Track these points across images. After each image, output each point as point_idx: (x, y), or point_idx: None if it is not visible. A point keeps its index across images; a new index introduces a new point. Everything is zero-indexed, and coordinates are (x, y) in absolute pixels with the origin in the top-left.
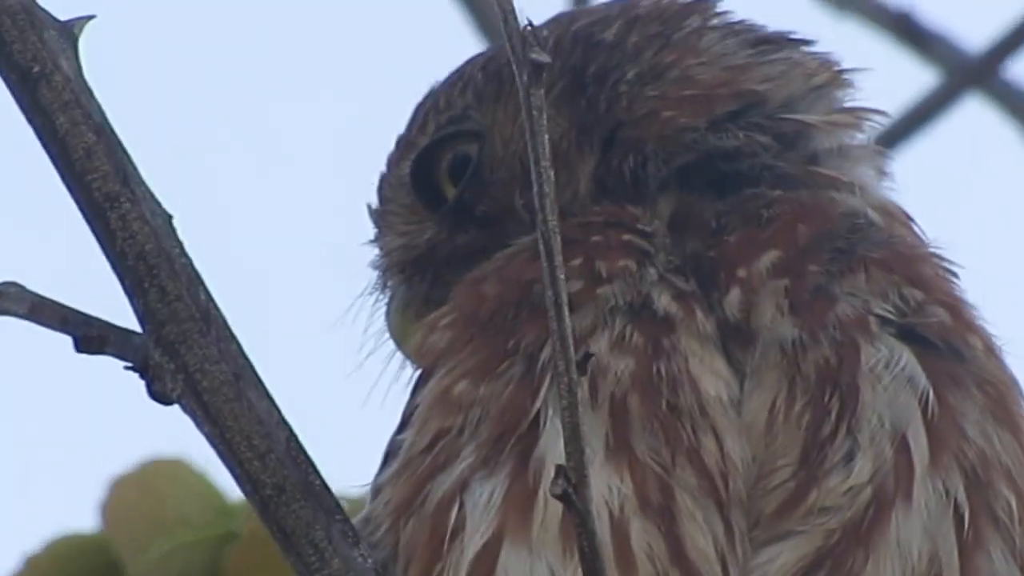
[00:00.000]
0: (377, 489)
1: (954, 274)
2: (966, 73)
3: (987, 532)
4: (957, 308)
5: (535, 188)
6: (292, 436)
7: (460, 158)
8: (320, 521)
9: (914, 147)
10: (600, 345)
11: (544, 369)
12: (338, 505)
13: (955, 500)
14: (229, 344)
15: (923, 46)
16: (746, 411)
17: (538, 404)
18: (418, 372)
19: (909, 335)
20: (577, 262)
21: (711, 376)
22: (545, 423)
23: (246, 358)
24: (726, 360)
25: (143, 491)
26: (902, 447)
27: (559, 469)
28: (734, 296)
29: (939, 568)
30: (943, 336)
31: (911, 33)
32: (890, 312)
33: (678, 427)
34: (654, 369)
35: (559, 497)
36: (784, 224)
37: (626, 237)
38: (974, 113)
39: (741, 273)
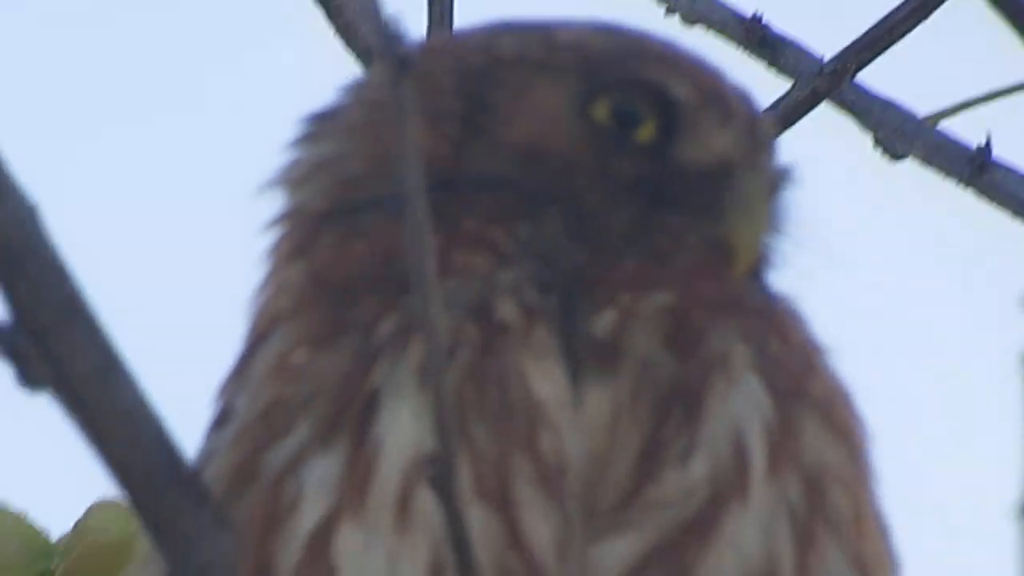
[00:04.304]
0: (209, 453)
1: (811, 325)
2: (817, 81)
3: (821, 535)
4: (809, 356)
5: (406, 183)
6: (161, 425)
7: None
8: (190, 509)
9: None
10: None
11: (380, 347)
12: (207, 493)
13: (791, 502)
14: (97, 334)
15: (774, 54)
16: (587, 409)
17: (373, 382)
18: (255, 331)
19: (761, 372)
20: (436, 245)
21: (543, 378)
22: (383, 405)
23: (114, 348)
24: (566, 369)
25: None
26: (741, 451)
27: (428, 457)
28: (608, 317)
29: (774, 567)
30: (790, 377)
31: (761, 41)
32: (749, 354)
33: (513, 420)
34: (485, 364)
35: (429, 484)
36: (686, 274)
37: (495, 233)
38: (825, 122)
39: (624, 299)
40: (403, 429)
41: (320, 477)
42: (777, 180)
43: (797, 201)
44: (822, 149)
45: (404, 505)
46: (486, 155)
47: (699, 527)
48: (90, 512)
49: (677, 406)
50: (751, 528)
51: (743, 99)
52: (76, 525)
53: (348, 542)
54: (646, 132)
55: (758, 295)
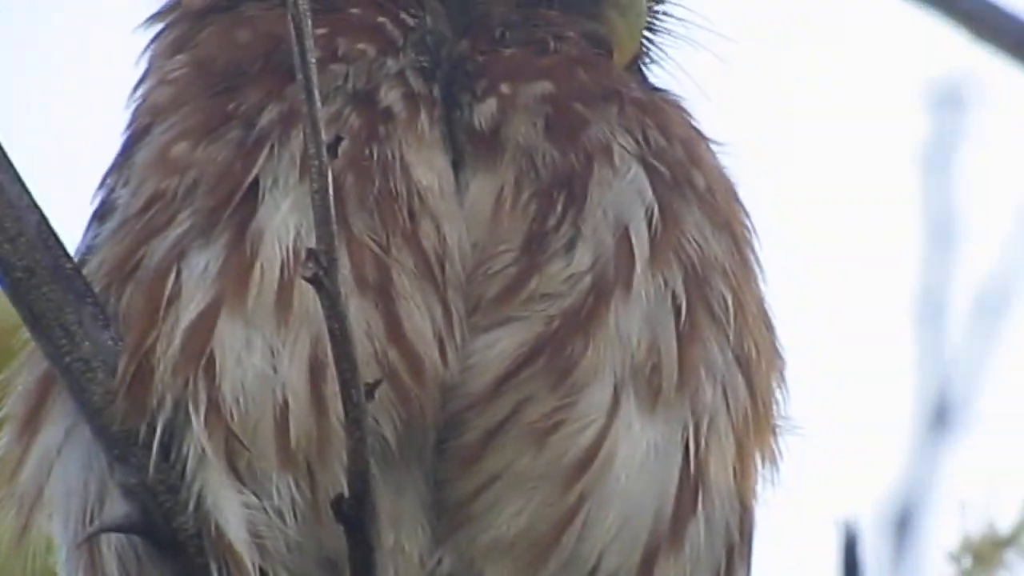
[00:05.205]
0: (90, 249)
1: (694, 118)
2: None
3: (704, 325)
4: (691, 146)
5: None
6: (43, 219)
7: None
8: (70, 304)
9: None
10: None
11: (262, 136)
12: (88, 288)
13: (673, 293)
14: None
15: None
16: (469, 199)
17: (254, 173)
18: (136, 124)
19: (643, 163)
20: (322, 32)
21: (425, 167)
22: (264, 195)
23: None
24: (448, 158)
25: None
26: (624, 240)
27: (309, 252)
28: (489, 106)
29: (658, 357)
30: (672, 168)
31: None
32: (632, 145)
33: (394, 210)
34: (366, 151)
35: (310, 280)
36: (565, 63)
37: (381, 20)
38: None
39: (504, 89)
40: (283, 221)
41: (200, 270)
42: None
43: None
44: None
45: (284, 298)
46: None
47: (583, 319)
48: None
49: (560, 195)
50: (634, 319)
51: None
52: None
53: (228, 336)
54: None
55: (639, 88)
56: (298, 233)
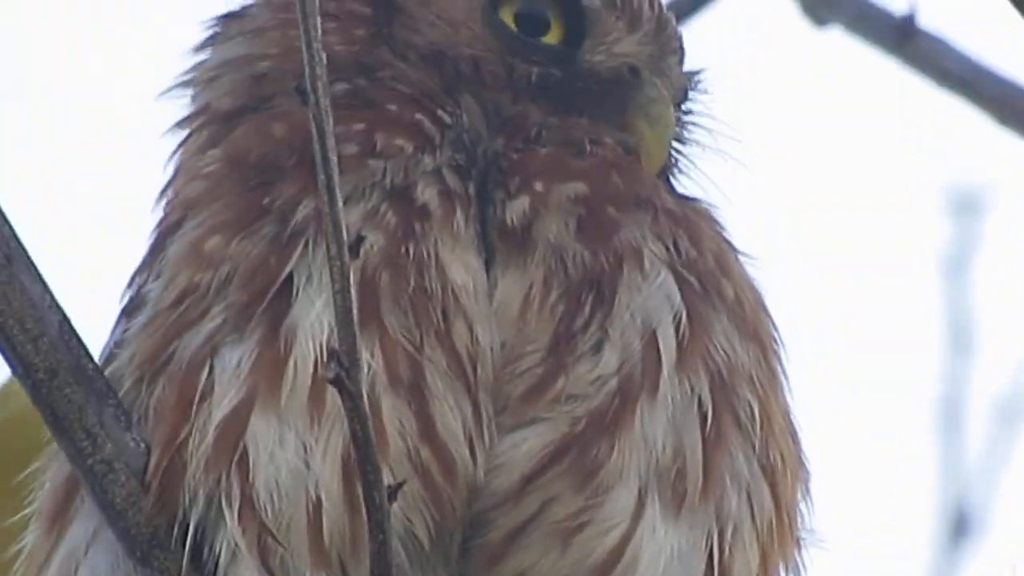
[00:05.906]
0: (120, 343)
1: (724, 227)
2: None
3: (729, 431)
4: (721, 257)
5: (307, 70)
6: (65, 320)
7: None
8: (92, 405)
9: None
10: (352, 216)
11: (296, 232)
12: (110, 389)
13: (699, 398)
14: (1, 227)
15: None
16: (498, 297)
17: (288, 269)
18: (167, 220)
19: (673, 270)
20: (360, 127)
21: (460, 266)
22: (298, 292)
23: (18, 241)
24: (482, 257)
25: None
26: (651, 344)
27: (332, 353)
28: (521, 204)
29: (683, 462)
30: (702, 278)
31: None
32: (662, 252)
33: (428, 309)
34: (402, 249)
35: (332, 381)
36: (600, 166)
37: (418, 117)
38: None
39: (538, 187)
40: (317, 318)
41: (233, 365)
42: (685, 85)
43: (706, 104)
44: (746, 15)
45: (317, 395)
46: (395, 56)
47: (609, 420)
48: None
49: (588, 297)
50: (659, 423)
51: (652, 3)
52: None
53: (261, 432)
54: (554, 36)
55: (670, 196)
56: (332, 330)
